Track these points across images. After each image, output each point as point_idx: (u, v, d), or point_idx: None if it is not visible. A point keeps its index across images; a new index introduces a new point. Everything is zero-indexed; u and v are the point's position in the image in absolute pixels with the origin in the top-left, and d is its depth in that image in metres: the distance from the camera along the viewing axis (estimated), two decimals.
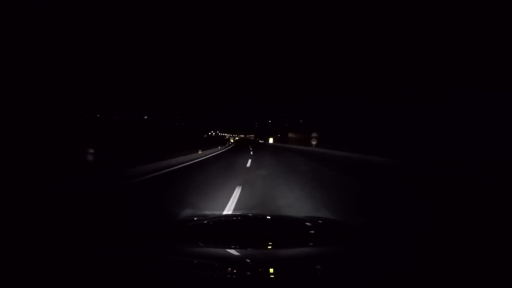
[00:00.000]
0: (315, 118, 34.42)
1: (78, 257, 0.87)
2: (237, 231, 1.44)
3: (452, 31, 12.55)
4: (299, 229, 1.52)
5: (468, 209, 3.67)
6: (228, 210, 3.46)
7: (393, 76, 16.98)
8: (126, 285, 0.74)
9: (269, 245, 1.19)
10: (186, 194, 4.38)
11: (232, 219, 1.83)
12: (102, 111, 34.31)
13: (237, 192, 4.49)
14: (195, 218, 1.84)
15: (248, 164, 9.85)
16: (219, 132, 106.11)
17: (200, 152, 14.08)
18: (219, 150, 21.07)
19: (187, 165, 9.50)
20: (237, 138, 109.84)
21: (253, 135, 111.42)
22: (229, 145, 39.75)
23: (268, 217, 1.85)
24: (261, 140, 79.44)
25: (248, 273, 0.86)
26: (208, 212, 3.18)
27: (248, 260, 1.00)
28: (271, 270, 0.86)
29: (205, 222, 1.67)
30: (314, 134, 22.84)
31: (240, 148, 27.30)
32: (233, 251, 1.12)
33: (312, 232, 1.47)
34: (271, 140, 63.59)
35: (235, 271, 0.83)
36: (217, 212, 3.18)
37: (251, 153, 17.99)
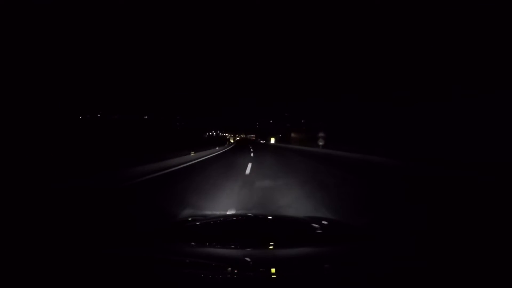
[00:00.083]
0: (315, 118, 34.37)
1: (78, 257, 0.87)
2: (237, 231, 1.44)
3: (452, 31, 12.55)
4: (299, 229, 1.52)
5: (468, 209, 3.67)
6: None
7: (393, 76, 16.98)
8: (126, 285, 0.74)
9: (270, 245, 1.19)
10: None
11: (232, 219, 1.83)
12: (102, 111, 34.35)
13: None
14: (195, 218, 1.84)
15: (248, 171, 7.65)
16: (220, 132, 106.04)
17: (192, 154, 11.91)
18: (216, 151, 18.52)
19: (165, 173, 6.97)
20: (238, 138, 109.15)
21: (254, 135, 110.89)
22: (229, 145, 36.87)
23: (268, 217, 1.85)
24: (262, 140, 78.60)
25: (249, 273, 0.86)
26: (208, 212, 3.17)
27: (248, 260, 1.00)
28: (273, 270, 0.86)
29: (205, 222, 1.67)
30: (321, 134, 20.47)
31: (240, 149, 24.62)
32: (233, 251, 1.11)
33: (312, 232, 1.47)
34: (272, 140, 62.04)
35: (236, 271, 0.83)
36: (217, 212, 3.17)
37: (252, 154, 15.93)
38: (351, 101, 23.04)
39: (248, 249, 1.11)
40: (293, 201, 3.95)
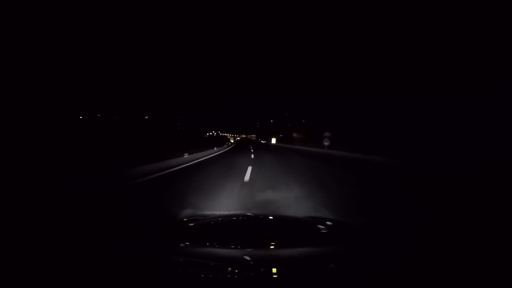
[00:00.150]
0: (316, 118, 34.37)
1: (78, 257, 0.87)
2: (238, 231, 1.44)
3: (452, 31, 12.56)
4: (299, 229, 1.52)
5: (468, 209, 3.67)
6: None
7: (393, 76, 16.99)
8: (126, 285, 0.74)
9: (270, 245, 1.19)
10: None
11: (232, 219, 1.82)
12: (103, 111, 34.38)
13: None
14: (195, 218, 1.84)
15: (247, 177, 6.26)
16: (220, 133, 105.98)
17: (186, 155, 10.47)
18: (213, 152, 16.73)
19: (151, 178, 5.91)
20: (238, 138, 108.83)
21: (254, 135, 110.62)
22: (228, 146, 34.01)
23: (268, 217, 1.85)
24: (263, 140, 78.10)
25: (249, 273, 0.86)
26: (208, 212, 3.17)
27: (249, 260, 1.00)
28: (274, 270, 0.86)
29: (205, 222, 1.67)
30: (326, 134, 19.22)
31: (240, 150, 22.44)
32: (233, 251, 1.11)
33: (312, 232, 1.47)
34: (273, 141, 60.87)
35: (236, 271, 0.83)
36: (217, 212, 3.17)
37: (252, 156, 14.46)
38: (351, 101, 23.05)
39: (249, 249, 1.11)
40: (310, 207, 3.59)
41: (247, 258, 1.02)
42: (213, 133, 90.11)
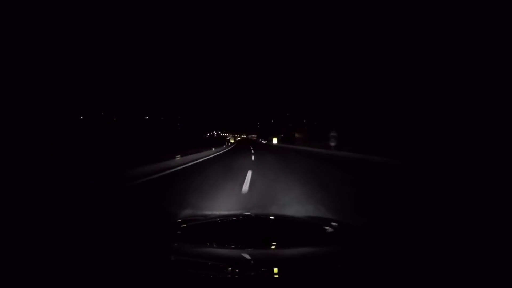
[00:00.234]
0: (317, 118, 34.34)
1: (78, 257, 0.87)
2: (238, 231, 1.44)
3: (452, 31, 12.57)
4: (299, 229, 1.52)
5: (468, 209, 3.67)
6: None
7: (393, 76, 17.00)
8: (126, 285, 0.73)
9: (270, 245, 1.19)
10: None
11: (232, 219, 1.82)
12: (103, 111, 34.41)
13: None
14: (195, 218, 1.84)
15: (245, 187, 5.01)
16: (221, 133, 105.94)
17: (178, 158, 9.00)
18: (210, 154, 14.97)
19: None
20: (239, 138, 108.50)
21: (255, 135, 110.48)
22: (227, 146, 31.03)
23: (268, 217, 1.85)
24: (264, 140, 77.20)
25: (250, 273, 0.86)
26: (208, 212, 3.17)
27: (249, 260, 1.00)
28: (276, 270, 0.86)
29: (205, 222, 1.67)
30: (332, 133, 18.30)
31: (240, 151, 20.75)
32: (234, 251, 1.11)
33: (312, 232, 1.47)
34: (275, 141, 58.69)
35: (237, 270, 0.83)
36: (217, 212, 3.17)
37: (253, 158, 12.96)
38: (351, 101, 23.06)
39: (249, 249, 1.11)
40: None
41: (248, 258, 1.02)
42: (213, 133, 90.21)
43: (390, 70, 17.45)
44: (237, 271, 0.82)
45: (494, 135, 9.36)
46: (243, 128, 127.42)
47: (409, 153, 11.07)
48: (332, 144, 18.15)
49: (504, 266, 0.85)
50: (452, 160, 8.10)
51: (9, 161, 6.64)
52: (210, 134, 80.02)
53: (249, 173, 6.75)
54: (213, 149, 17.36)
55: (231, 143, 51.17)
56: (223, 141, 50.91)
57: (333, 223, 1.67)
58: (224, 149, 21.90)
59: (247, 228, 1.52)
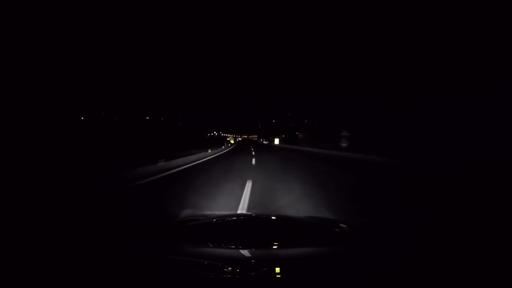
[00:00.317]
0: (318, 118, 34.31)
1: (78, 257, 0.87)
2: (238, 231, 1.44)
3: (452, 31, 12.58)
4: (299, 229, 1.52)
5: (468, 209, 3.67)
6: None
7: (393, 76, 17.01)
8: (126, 285, 0.73)
9: (270, 245, 1.19)
10: None
11: (232, 219, 1.82)
12: (104, 112, 34.44)
13: None
14: (196, 218, 1.84)
15: (243, 205, 3.76)
16: (221, 133, 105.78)
17: (161, 163, 7.16)
18: (205, 156, 12.70)
19: None
20: (239, 139, 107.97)
21: (256, 136, 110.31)
22: (227, 147, 28.59)
23: (268, 217, 1.85)
24: (265, 141, 76.14)
25: (251, 273, 0.86)
26: (208, 212, 3.17)
27: (250, 260, 1.00)
28: (278, 270, 0.86)
29: (206, 222, 1.67)
30: (344, 133, 16.51)
31: (239, 153, 18.39)
32: (234, 251, 1.11)
33: (312, 232, 1.47)
34: (276, 141, 56.77)
35: (237, 270, 0.83)
36: (217, 212, 3.18)
37: (253, 162, 10.86)
38: (351, 101, 23.07)
39: (249, 249, 1.11)
40: None
41: (248, 257, 1.02)
42: (214, 134, 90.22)
43: (390, 70, 17.46)
44: (237, 271, 0.82)
45: (494, 135, 9.35)
46: (244, 128, 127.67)
47: (409, 153, 11.07)
48: (344, 145, 16.48)
49: (504, 266, 0.85)
50: (452, 160, 8.10)
51: (9, 161, 6.65)
52: (210, 134, 79.94)
53: (248, 185, 5.00)
54: (209, 151, 15.25)
55: (231, 143, 48.57)
56: (222, 141, 46.56)
57: (333, 223, 1.67)
58: (223, 150, 20.26)
59: (248, 228, 1.52)
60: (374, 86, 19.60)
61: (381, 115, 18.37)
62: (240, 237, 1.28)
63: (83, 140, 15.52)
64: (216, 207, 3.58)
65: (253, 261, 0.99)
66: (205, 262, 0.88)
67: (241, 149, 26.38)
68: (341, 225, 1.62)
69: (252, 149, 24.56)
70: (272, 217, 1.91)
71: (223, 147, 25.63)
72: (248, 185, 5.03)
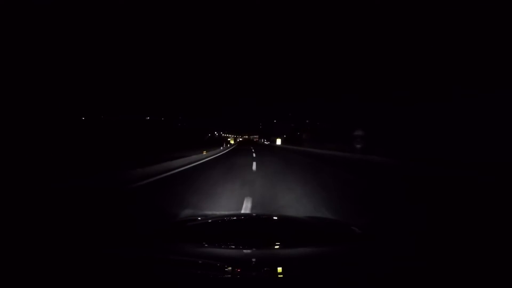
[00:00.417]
0: (318, 118, 34.28)
1: (78, 257, 0.87)
2: (238, 231, 1.44)
3: (452, 31, 12.58)
4: (300, 229, 1.52)
5: (468, 209, 3.67)
6: None
7: (393, 76, 17.01)
8: (126, 285, 0.73)
9: (270, 245, 1.19)
10: None
11: (232, 219, 1.82)
12: (104, 112, 34.46)
13: None
14: (196, 218, 1.84)
15: None
16: (222, 133, 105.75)
17: (138, 169, 5.98)
18: (200, 159, 11.50)
19: None
20: (240, 139, 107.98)
21: (257, 136, 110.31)
22: (226, 148, 26.54)
23: (268, 217, 1.85)
24: (267, 141, 75.36)
25: (251, 273, 0.86)
26: (208, 212, 3.17)
27: (250, 259, 1.00)
28: (280, 269, 0.86)
29: (206, 222, 1.67)
30: (358, 132, 13.89)
31: (238, 155, 16.58)
32: (234, 251, 1.11)
33: (312, 232, 1.47)
34: (278, 141, 55.06)
35: (238, 270, 0.83)
36: (217, 212, 3.18)
37: (254, 167, 8.77)
38: (351, 101, 23.08)
39: (250, 249, 1.11)
40: None
41: (249, 257, 1.02)
42: (215, 134, 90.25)
43: (390, 70, 17.46)
44: (238, 271, 0.82)
45: (494, 135, 9.35)
46: (245, 129, 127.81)
47: (409, 153, 11.06)
48: (358, 146, 13.87)
49: (504, 266, 0.85)
50: (452, 160, 8.10)
51: (10, 161, 6.64)
52: (211, 135, 79.88)
53: (247, 204, 3.75)
54: (204, 153, 13.73)
55: (230, 144, 45.92)
56: (221, 142, 43.82)
57: (332, 223, 1.67)
58: (222, 151, 18.71)
59: (248, 228, 1.52)
60: (374, 86, 19.61)
61: (381, 115, 18.37)
62: (241, 237, 1.28)
63: (83, 140, 15.51)
64: None
65: (253, 261, 0.99)
66: (206, 262, 0.88)
67: (241, 149, 25.13)
68: (341, 225, 1.62)
69: (253, 150, 22.95)
70: (272, 217, 1.91)
71: (221, 147, 23.81)
72: (247, 205, 3.66)
